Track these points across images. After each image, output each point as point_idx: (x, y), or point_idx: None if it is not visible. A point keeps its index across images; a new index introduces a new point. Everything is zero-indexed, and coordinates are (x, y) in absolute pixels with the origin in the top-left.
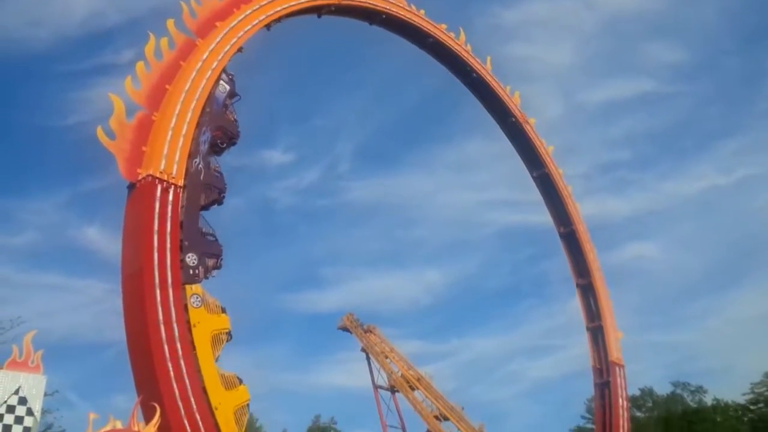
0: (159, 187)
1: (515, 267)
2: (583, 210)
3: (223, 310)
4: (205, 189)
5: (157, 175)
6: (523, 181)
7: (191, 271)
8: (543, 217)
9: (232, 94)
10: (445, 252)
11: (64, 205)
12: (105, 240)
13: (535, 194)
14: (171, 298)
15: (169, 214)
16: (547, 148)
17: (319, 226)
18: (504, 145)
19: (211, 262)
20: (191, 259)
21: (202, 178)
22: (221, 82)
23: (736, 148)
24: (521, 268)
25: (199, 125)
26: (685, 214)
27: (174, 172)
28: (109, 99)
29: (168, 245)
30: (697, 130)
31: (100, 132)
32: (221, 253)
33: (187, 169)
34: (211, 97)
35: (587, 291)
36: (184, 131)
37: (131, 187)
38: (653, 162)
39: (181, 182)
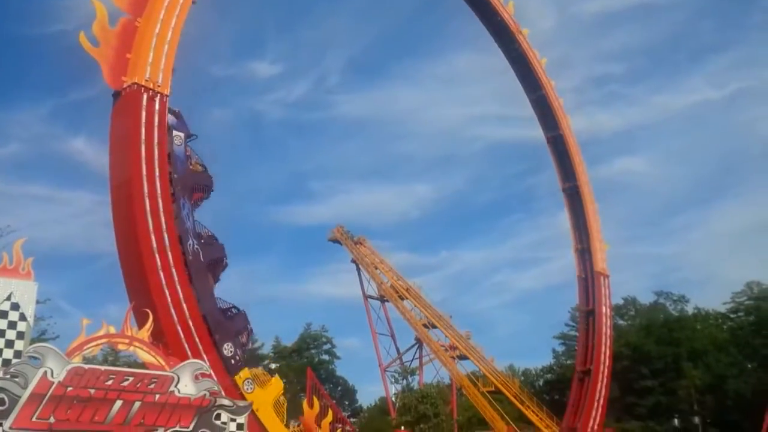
0: (145, 96)
1: (504, 181)
2: (573, 124)
3: (271, 373)
4: (211, 267)
5: (143, 83)
6: (513, 96)
7: (233, 361)
8: (532, 132)
9: (187, 135)
10: (434, 166)
11: (49, 115)
12: (92, 151)
13: (526, 109)
14: (161, 207)
15: (156, 123)
16: (540, 60)
17: (308, 139)
18: (495, 58)
19: (244, 337)
20: (228, 349)
21: (203, 258)
22: (174, 132)
23: (730, 61)
24: (509, 182)
25: (174, 198)
26: (675, 129)
27: (159, 80)
28: (91, 4)
29: (156, 154)
30: (692, 43)
31: (83, 38)
32: (248, 320)
33: (184, 256)
34: (172, 158)
35: (574, 201)
36: (168, 38)
37: (116, 95)
38: (646, 75)
39: (167, 91)
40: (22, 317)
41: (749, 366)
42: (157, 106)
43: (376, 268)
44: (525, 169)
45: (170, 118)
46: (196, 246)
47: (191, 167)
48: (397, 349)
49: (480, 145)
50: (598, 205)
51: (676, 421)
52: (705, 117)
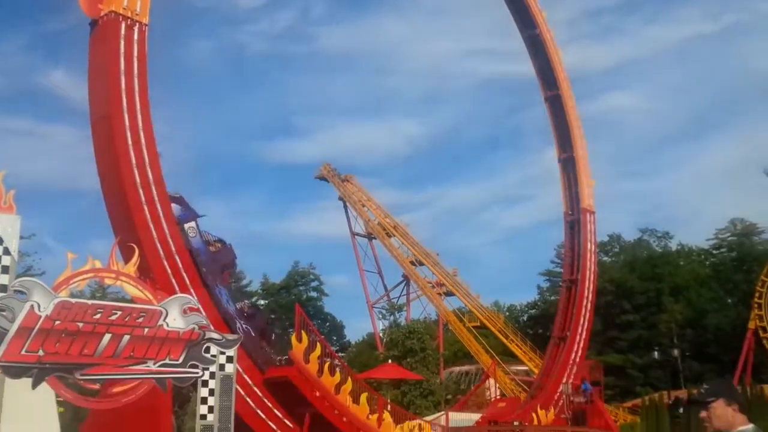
0: (123, 25)
1: (493, 118)
2: (565, 58)
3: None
4: (264, 337)
5: (120, 11)
6: (503, 29)
7: None
8: (522, 67)
9: (195, 217)
10: (423, 102)
11: (27, 47)
12: (72, 84)
13: (516, 43)
14: (143, 141)
15: (135, 53)
16: None
17: (292, 73)
18: None
19: None
20: None
21: (254, 334)
22: (183, 227)
23: None
24: (499, 119)
25: (209, 291)
26: (668, 62)
27: (138, 8)
28: None
29: (136, 86)
30: None
31: None
32: None
33: (233, 330)
34: (194, 254)
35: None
36: None
37: (94, 24)
38: (640, 5)
39: (145, 20)
40: (6, 251)
41: (729, 301)
42: (136, 36)
43: (364, 206)
44: (514, 106)
45: (176, 209)
46: (244, 326)
47: (212, 250)
48: (385, 286)
49: (469, 80)
50: (587, 141)
51: (656, 353)
52: (698, 50)
